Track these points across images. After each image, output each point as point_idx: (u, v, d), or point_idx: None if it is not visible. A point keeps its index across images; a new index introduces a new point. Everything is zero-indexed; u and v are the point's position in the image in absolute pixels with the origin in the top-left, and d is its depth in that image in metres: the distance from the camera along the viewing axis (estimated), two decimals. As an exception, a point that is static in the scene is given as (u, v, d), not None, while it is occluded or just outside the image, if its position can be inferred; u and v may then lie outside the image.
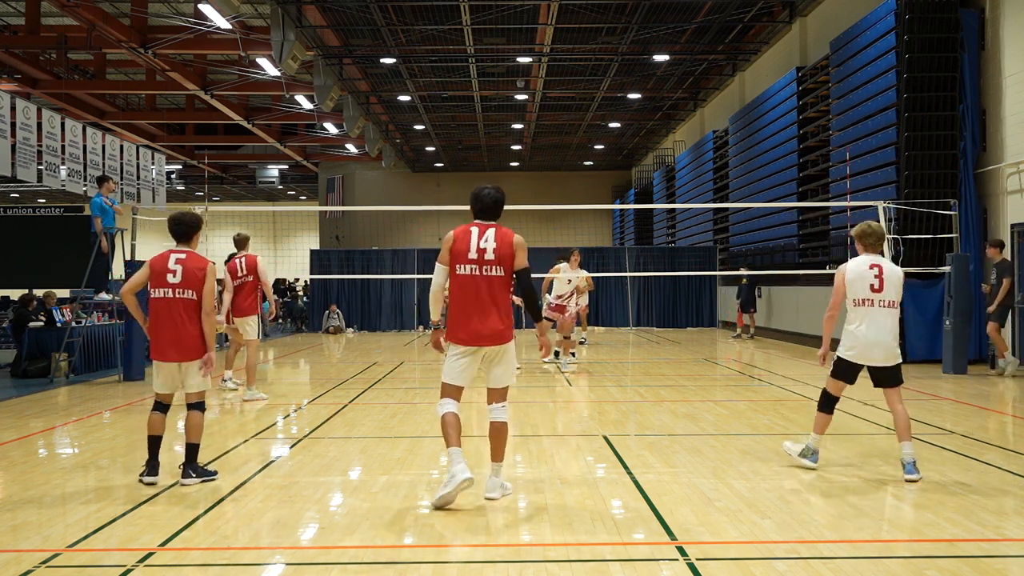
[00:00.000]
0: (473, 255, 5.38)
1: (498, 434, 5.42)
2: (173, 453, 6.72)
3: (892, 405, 6.04)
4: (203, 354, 6.02)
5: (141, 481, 5.97)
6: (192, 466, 5.97)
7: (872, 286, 5.93)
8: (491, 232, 5.44)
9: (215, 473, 6.09)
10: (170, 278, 5.96)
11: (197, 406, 6.06)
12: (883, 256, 6.16)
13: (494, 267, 5.39)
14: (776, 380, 11.87)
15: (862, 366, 6.05)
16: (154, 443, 6.02)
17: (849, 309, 6.05)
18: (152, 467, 5.96)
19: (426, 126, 30.81)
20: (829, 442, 7.06)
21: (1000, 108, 12.78)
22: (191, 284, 5.98)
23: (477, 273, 5.38)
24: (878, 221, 13.05)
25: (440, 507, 5.21)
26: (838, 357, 6.13)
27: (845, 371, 6.12)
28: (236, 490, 5.75)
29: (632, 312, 24.95)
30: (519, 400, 9.68)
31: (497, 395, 5.49)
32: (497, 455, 5.45)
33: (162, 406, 6.10)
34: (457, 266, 5.42)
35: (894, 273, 6.03)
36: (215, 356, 6.14)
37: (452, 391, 5.47)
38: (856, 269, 6.01)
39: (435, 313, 5.59)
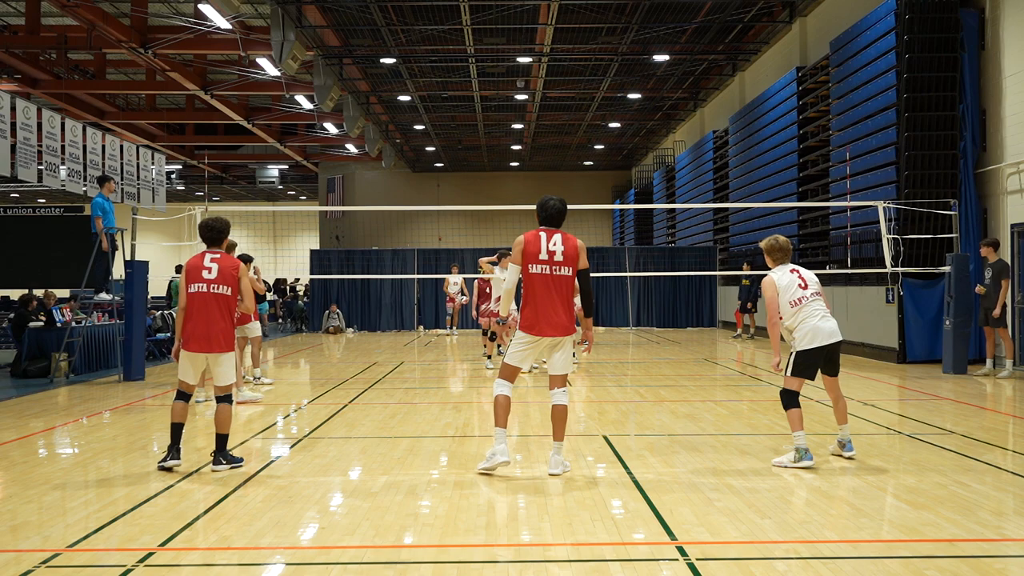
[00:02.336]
0: (544, 256, 6.12)
1: (559, 416, 6.14)
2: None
3: (835, 391, 6.54)
4: (232, 348, 6.42)
5: (161, 466, 6.26)
6: (222, 454, 6.35)
7: (799, 285, 6.43)
8: (558, 237, 6.17)
9: (241, 460, 6.46)
10: (205, 274, 6.38)
11: (225, 399, 6.42)
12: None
13: (562, 267, 6.12)
14: (776, 380, 11.86)
15: (820, 359, 6.34)
16: (176, 430, 6.35)
17: (788, 315, 6.40)
18: (174, 452, 6.28)
19: (426, 126, 30.80)
20: (830, 442, 7.07)
21: (1000, 108, 12.78)
22: (227, 281, 6.40)
23: (547, 272, 6.11)
24: (878, 222, 13.08)
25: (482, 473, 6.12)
26: (796, 353, 6.36)
27: (804, 365, 6.36)
28: (236, 490, 5.76)
29: (632, 312, 24.95)
30: (520, 400, 9.69)
31: (557, 381, 6.19)
32: (558, 435, 6.15)
33: (184, 395, 6.46)
34: (529, 266, 6.14)
35: (809, 272, 6.57)
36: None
37: (511, 372, 6.24)
38: (781, 277, 6.50)
39: (504, 309, 6.57)
